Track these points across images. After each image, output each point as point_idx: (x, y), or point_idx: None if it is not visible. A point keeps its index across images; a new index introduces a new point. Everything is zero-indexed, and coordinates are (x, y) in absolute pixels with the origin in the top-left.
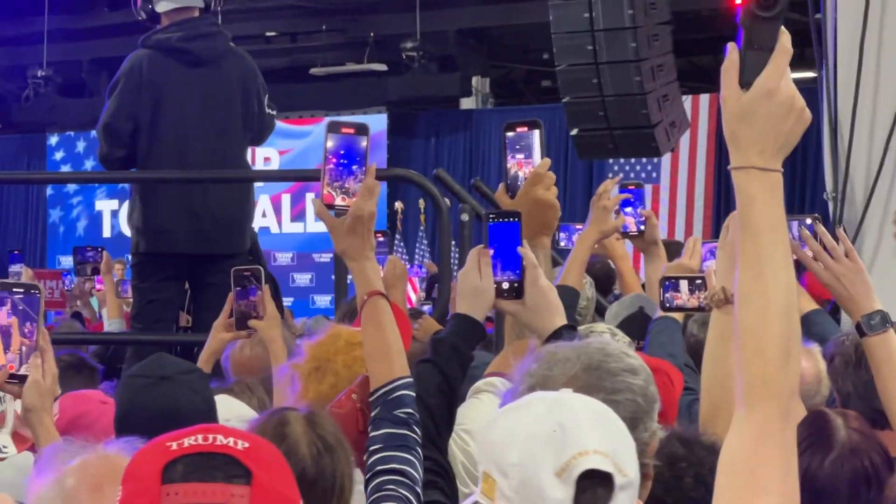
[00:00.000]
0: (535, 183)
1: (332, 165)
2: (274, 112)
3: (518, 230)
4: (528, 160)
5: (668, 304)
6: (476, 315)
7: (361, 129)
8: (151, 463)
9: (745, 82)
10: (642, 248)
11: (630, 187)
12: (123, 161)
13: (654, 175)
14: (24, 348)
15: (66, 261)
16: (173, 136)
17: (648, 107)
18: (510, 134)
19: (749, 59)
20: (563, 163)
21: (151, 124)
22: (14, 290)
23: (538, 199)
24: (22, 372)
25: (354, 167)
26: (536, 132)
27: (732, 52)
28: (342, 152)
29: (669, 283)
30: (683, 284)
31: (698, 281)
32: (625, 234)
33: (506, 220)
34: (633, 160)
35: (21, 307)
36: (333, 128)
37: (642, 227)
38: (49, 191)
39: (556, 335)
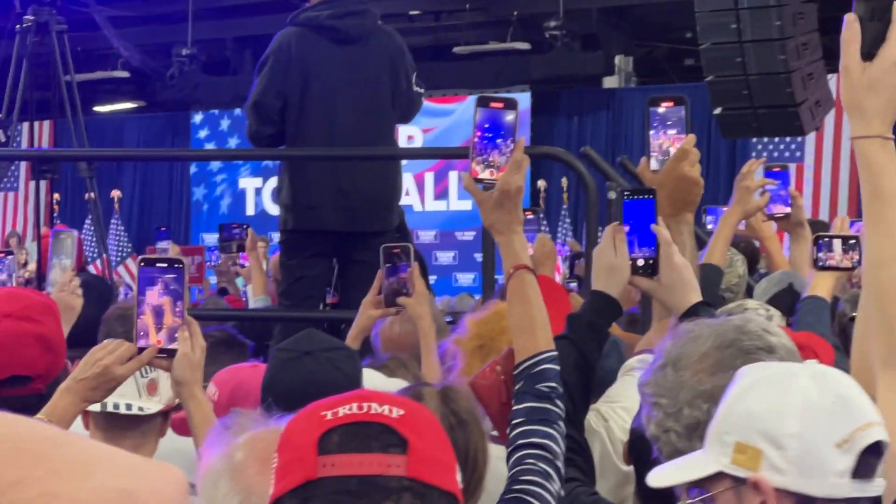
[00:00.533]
0: (680, 159)
1: (477, 139)
2: (422, 90)
3: (653, 207)
4: (680, 135)
5: (820, 264)
6: (612, 292)
7: (509, 104)
8: (307, 433)
9: (868, 53)
10: (788, 229)
11: (775, 170)
12: (272, 138)
13: (798, 154)
14: (172, 323)
15: (210, 238)
16: (322, 113)
17: (793, 85)
18: (656, 109)
19: (870, 31)
20: (705, 142)
21: (300, 102)
22: (158, 264)
23: (683, 175)
24: (171, 346)
25: (499, 140)
26: (683, 108)
27: (852, 23)
28: (487, 126)
29: (823, 243)
30: (837, 244)
31: (852, 241)
32: (771, 217)
33: (640, 197)
34: (776, 139)
35: (172, 286)
36: (482, 102)
37: (788, 209)
38: (193, 169)
39: (692, 312)
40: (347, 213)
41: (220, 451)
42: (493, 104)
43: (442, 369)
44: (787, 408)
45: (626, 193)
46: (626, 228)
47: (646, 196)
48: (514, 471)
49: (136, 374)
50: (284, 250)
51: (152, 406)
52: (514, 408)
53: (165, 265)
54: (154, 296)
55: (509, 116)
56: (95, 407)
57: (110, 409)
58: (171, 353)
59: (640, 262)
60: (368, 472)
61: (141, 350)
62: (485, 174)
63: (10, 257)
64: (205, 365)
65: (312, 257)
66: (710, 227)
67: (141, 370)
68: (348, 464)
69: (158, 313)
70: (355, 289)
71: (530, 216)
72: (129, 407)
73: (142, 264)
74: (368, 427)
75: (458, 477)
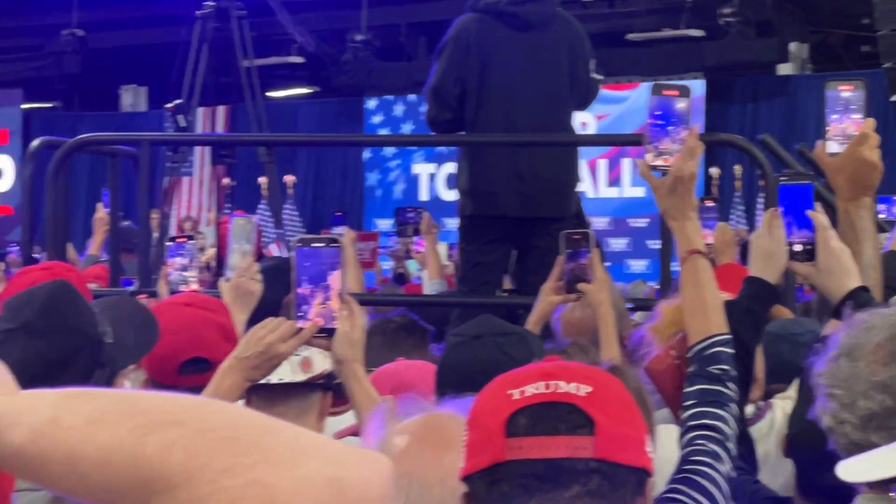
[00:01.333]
0: (860, 142)
1: (650, 126)
2: (600, 78)
3: (810, 192)
4: (860, 119)
5: None
6: (769, 277)
7: (683, 91)
8: (495, 413)
9: None
10: None
11: None
12: (451, 124)
13: None
14: (331, 303)
15: (383, 224)
16: (501, 99)
17: None
18: (836, 92)
19: None
20: (881, 130)
21: (479, 88)
22: (315, 244)
23: (864, 158)
24: (330, 326)
25: (670, 128)
26: (863, 91)
27: None
28: (658, 113)
29: None
30: None
31: None
32: None
33: (798, 181)
34: None
35: (330, 265)
36: (656, 90)
37: None
38: (366, 154)
39: (849, 297)
40: (526, 198)
41: (381, 435)
42: (667, 92)
43: (636, 356)
44: None
45: (782, 178)
46: (784, 213)
47: (803, 181)
48: (684, 451)
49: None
50: (463, 236)
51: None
52: (686, 390)
53: (323, 244)
54: (312, 275)
55: (681, 104)
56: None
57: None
58: (330, 333)
59: (798, 248)
60: (556, 455)
61: (300, 331)
62: (657, 161)
63: (191, 242)
64: (386, 350)
65: (490, 243)
66: (883, 215)
67: None
68: (536, 447)
69: (317, 293)
70: (533, 275)
71: (710, 204)
72: (280, 378)
73: (298, 244)
74: (556, 408)
75: (649, 446)
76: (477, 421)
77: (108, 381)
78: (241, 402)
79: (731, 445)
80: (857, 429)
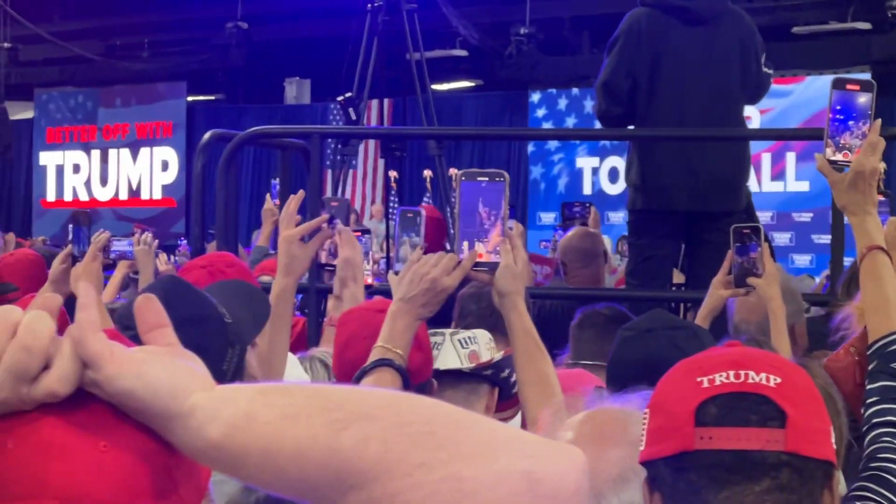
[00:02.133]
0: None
1: (829, 121)
2: (771, 71)
3: None
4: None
5: None
6: None
7: (865, 86)
8: (683, 400)
9: None
10: None
11: None
12: (621, 118)
13: None
14: (494, 237)
15: (546, 217)
16: (672, 94)
17: None
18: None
19: None
20: None
21: (650, 82)
22: (480, 178)
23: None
24: (493, 260)
25: (850, 123)
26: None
27: None
28: (839, 108)
29: None
30: None
31: None
32: None
33: None
34: None
35: (492, 200)
36: (838, 84)
37: None
38: (531, 148)
39: None
40: (697, 193)
41: (552, 430)
42: (850, 86)
43: (837, 336)
44: None
45: None
46: None
47: None
48: (870, 449)
49: (456, 344)
50: (633, 230)
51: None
52: (868, 387)
53: (487, 179)
54: (475, 209)
55: (863, 99)
56: None
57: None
58: (492, 267)
59: None
60: (746, 446)
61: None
62: (837, 156)
63: (367, 236)
64: (596, 342)
65: (661, 237)
66: None
67: (461, 340)
68: (726, 438)
69: (480, 227)
70: (703, 268)
71: (881, 198)
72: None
73: (463, 178)
74: (746, 399)
75: (833, 439)
76: (662, 406)
77: (241, 359)
78: (398, 381)
79: None
80: None
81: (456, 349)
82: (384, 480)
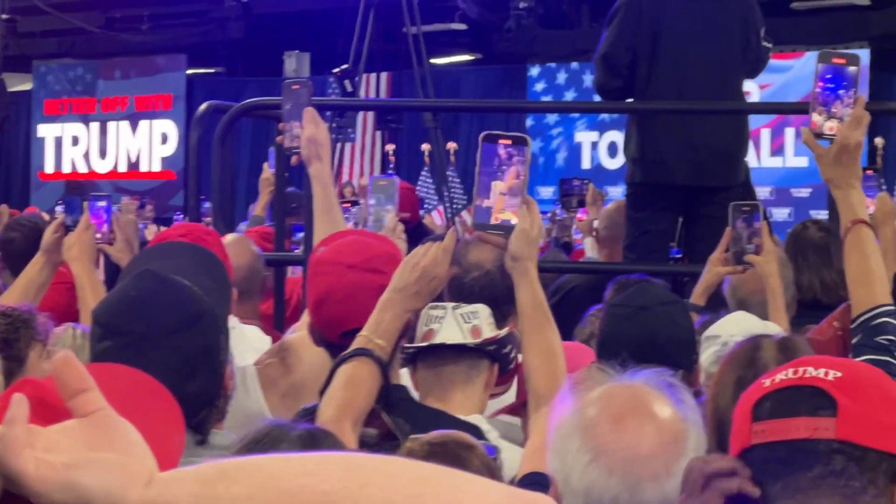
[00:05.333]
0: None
1: (818, 90)
2: (770, 45)
3: None
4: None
5: None
6: None
7: (851, 60)
8: (747, 401)
9: None
10: None
11: None
12: (620, 91)
13: None
14: (512, 199)
15: (545, 192)
16: (672, 67)
17: None
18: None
19: None
20: None
21: (650, 55)
22: (501, 140)
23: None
24: (510, 223)
25: (841, 91)
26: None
27: None
28: (829, 76)
29: None
30: None
31: None
32: None
33: None
34: None
35: (512, 162)
36: (824, 57)
37: None
38: (529, 122)
39: None
40: (696, 167)
41: (573, 404)
42: (836, 60)
43: None
44: None
45: None
46: None
47: None
48: None
49: (458, 318)
50: (631, 203)
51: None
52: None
53: (509, 141)
54: (494, 171)
55: (849, 72)
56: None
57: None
58: (508, 230)
59: None
60: (795, 435)
61: (480, 227)
62: (825, 126)
63: (355, 207)
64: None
65: (659, 211)
66: None
67: (464, 315)
68: (777, 429)
69: (498, 189)
70: (700, 243)
71: (869, 173)
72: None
73: (485, 140)
74: (800, 391)
75: None
76: (736, 412)
77: (228, 338)
78: (377, 374)
79: None
80: None
81: (458, 323)
82: None
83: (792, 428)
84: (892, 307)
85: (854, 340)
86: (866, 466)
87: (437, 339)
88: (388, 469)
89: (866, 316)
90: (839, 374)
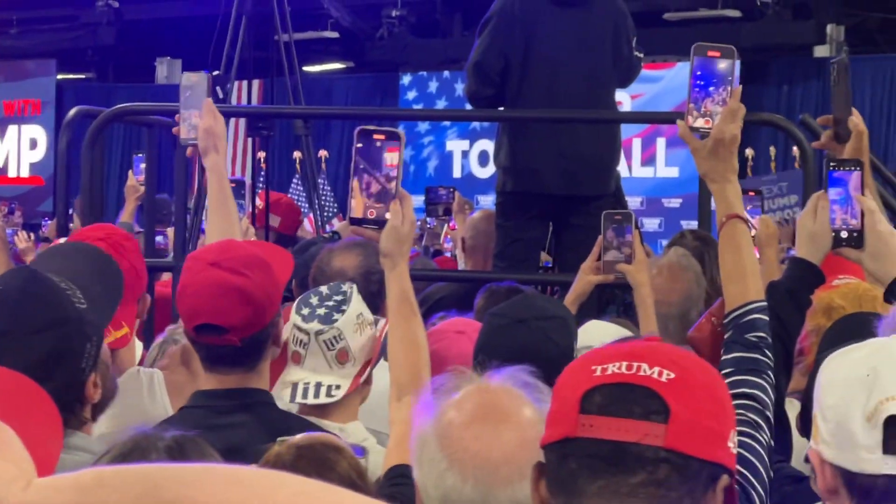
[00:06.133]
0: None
1: (691, 87)
2: (642, 55)
3: (859, 178)
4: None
5: None
6: (813, 259)
7: (726, 52)
8: (574, 387)
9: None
10: None
11: None
12: (491, 99)
13: None
14: (384, 196)
15: (416, 200)
16: (544, 75)
17: None
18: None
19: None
20: None
21: (522, 63)
22: (375, 136)
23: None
24: (381, 218)
25: (711, 89)
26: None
27: None
28: (699, 73)
29: None
30: None
31: None
32: None
33: (846, 168)
34: None
35: (384, 159)
36: (699, 50)
37: None
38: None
39: None
40: (567, 176)
41: (431, 411)
42: (710, 53)
43: None
44: (832, 380)
45: (832, 164)
46: (831, 198)
47: (851, 168)
48: None
49: (324, 348)
50: (501, 212)
51: (343, 382)
52: (723, 357)
53: (383, 137)
54: (369, 166)
55: (723, 65)
56: (286, 395)
57: (299, 398)
58: (381, 224)
59: (844, 234)
60: (625, 438)
61: (354, 221)
62: (698, 122)
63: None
64: None
65: (530, 220)
66: None
67: (328, 342)
68: (606, 427)
69: (370, 185)
70: (571, 252)
71: (752, 195)
72: (317, 393)
73: (359, 135)
74: (634, 391)
75: (733, 443)
76: (559, 392)
77: (98, 347)
78: None
79: (770, 414)
80: None
81: (323, 351)
82: None
83: (623, 429)
84: (764, 303)
85: (726, 336)
86: (688, 476)
87: (306, 367)
88: (269, 483)
89: (737, 312)
90: (672, 376)
